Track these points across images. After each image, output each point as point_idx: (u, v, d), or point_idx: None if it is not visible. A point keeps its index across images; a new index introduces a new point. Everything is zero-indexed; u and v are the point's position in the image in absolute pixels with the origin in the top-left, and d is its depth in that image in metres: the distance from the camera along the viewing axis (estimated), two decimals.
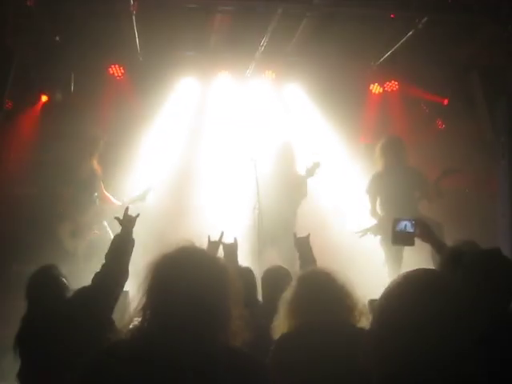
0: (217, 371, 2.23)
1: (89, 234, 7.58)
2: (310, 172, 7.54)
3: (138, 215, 4.35)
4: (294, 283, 3.52)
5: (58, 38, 7.85)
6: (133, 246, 4.01)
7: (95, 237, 7.54)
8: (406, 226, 4.26)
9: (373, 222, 7.72)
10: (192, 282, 2.27)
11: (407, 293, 1.86)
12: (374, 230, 7.52)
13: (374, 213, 7.75)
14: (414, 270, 1.91)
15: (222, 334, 2.32)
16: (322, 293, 3.35)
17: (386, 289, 1.92)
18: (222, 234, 4.60)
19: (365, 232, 7.56)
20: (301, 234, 4.91)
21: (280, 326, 3.38)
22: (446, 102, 9.31)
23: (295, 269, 4.78)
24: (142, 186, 7.88)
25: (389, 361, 1.82)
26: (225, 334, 2.32)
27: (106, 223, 7.67)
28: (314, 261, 4.39)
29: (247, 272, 4.33)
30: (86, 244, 7.50)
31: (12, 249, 8.01)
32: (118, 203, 7.75)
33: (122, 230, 4.12)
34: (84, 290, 4.02)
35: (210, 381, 2.22)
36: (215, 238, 4.56)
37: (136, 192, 7.78)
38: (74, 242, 7.52)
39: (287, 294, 3.46)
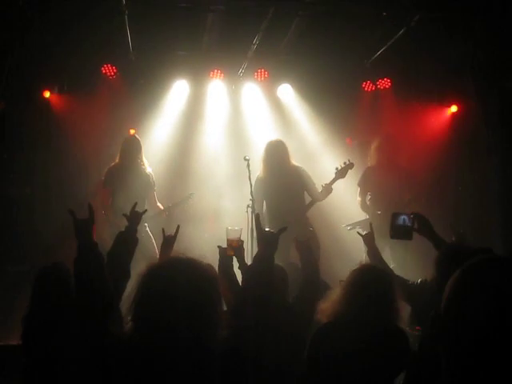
0: (208, 377, 2.31)
1: None
2: (342, 173, 7.50)
3: (144, 211, 4.31)
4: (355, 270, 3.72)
5: (50, 38, 7.82)
6: (136, 244, 3.96)
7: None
8: (405, 220, 4.29)
9: (362, 216, 7.85)
10: (180, 291, 2.37)
11: None
12: (364, 224, 7.58)
13: (363, 206, 7.84)
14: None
15: (211, 338, 2.40)
16: (375, 287, 3.57)
17: None
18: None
19: (354, 226, 7.64)
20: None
21: (328, 308, 3.60)
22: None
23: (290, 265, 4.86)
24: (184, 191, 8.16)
25: None
26: (214, 337, 2.41)
27: (147, 226, 7.58)
28: (315, 262, 4.41)
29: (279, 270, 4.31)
30: None
31: (6, 249, 8.00)
32: (161, 207, 7.91)
33: (126, 226, 4.07)
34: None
35: None
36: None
37: (179, 197, 8.06)
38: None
39: (345, 280, 3.68)
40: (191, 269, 2.47)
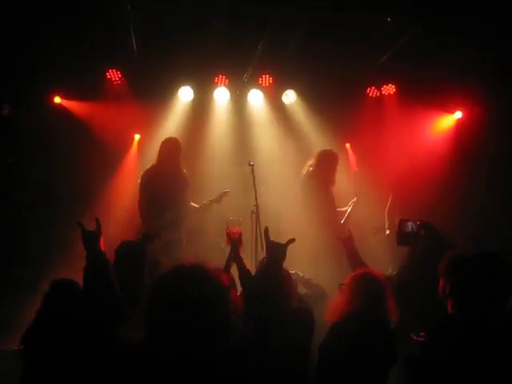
0: (217, 374, 2.40)
1: (164, 237, 7.13)
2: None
3: (156, 235, 4.44)
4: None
5: (55, 43, 7.85)
6: (143, 261, 4.07)
7: (170, 239, 7.29)
8: (412, 227, 4.29)
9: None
10: (186, 298, 2.42)
11: None
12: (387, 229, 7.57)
13: (389, 211, 7.82)
14: None
15: (222, 338, 2.44)
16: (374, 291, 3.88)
17: None
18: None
19: (379, 230, 7.62)
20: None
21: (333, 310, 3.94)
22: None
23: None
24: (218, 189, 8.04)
25: None
26: (225, 337, 2.45)
27: (181, 230, 7.61)
28: None
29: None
30: (161, 246, 7.09)
31: (9, 252, 8.02)
32: (196, 206, 7.83)
33: (139, 241, 4.21)
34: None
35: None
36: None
37: (213, 195, 7.93)
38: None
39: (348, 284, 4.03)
40: (198, 276, 2.50)
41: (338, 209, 7.71)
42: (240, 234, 4.63)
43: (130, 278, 3.75)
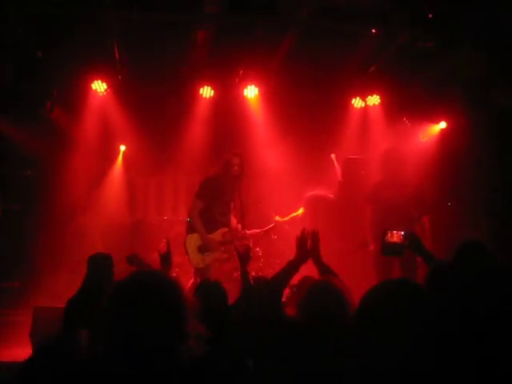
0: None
1: (216, 253, 7.04)
2: None
3: (136, 259, 4.52)
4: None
5: (40, 54, 7.82)
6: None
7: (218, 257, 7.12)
8: (396, 237, 4.29)
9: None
10: (143, 305, 2.38)
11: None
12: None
13: (368, 225, 7.64)
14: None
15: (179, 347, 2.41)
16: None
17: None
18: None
19: (363, 245, 7.56)
20: None
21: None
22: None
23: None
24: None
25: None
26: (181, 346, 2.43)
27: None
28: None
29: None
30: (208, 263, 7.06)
31: None
32: (255, 231, 7.56)
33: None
34: None
35: None
36: None
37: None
38: (199, 257, 7.01)
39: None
40: (156, 282, 2.49)
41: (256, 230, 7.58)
42: (248, 249, 4.59)
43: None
